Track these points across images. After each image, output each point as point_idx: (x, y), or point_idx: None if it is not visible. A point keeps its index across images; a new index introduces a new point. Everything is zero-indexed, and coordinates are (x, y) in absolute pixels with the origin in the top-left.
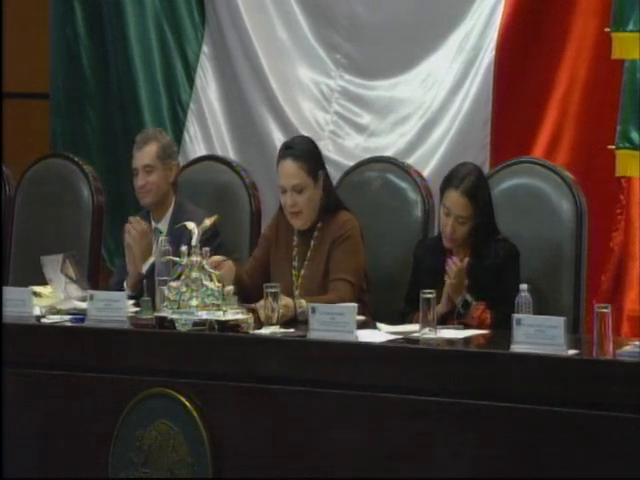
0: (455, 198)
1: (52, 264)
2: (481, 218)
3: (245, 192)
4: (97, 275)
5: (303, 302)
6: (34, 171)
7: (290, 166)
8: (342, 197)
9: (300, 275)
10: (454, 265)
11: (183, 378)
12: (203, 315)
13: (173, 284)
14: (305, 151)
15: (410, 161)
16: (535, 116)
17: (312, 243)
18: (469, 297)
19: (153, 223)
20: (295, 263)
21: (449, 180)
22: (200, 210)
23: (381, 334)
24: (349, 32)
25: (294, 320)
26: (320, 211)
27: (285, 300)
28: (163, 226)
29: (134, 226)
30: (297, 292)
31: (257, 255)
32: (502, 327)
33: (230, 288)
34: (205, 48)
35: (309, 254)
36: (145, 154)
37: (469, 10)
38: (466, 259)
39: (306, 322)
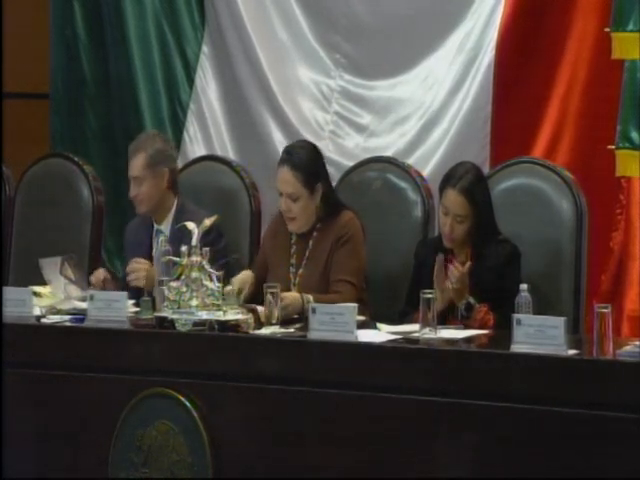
0: (453, 197)
1: (51, 266)
2: (479, 217)
3: (245, 192)
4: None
5: (311, 298)
6: (34, 171)
7: (286, 174)
8: (342, 197)
9: (298, 274)
10: (456, 270)
11: (183, 378)
12: (203, 315)
13: (173, 284)
14: (304, 161)
15: (410, 161)
16: (535, 116)
17: (311, 242)
18: (472, 300)
19: (155, 225)
20: (293, 261)
21: (447, 179)
22: (202, 210)
23: (381, 334)
24: (349, 32)
25: (301, 315)
26: (317, 218)
27: (290, 296)
28: (165, 228)
29: (133, 268)
30: (294, 290)
31: (257, 265)
32: (505, 329)
33: (230, 288)
34: (205, 48)
35: (308, 253)
36: (133, 166)
37: (469, 10)
38: (468, 263)
39: None
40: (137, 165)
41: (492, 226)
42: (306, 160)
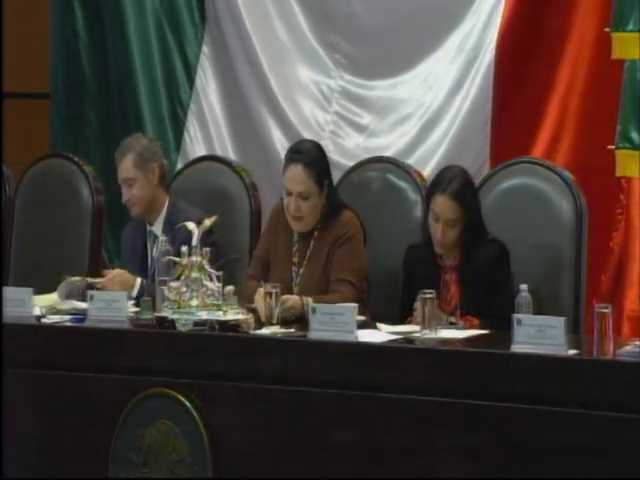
0: (442, 202)
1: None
2: (470, 220)
3: (245, 193)
4: (97, 275)
5: (310, 300)
6: (34, 171)
7: (300, 173)
8: (342, 197)
9: (300, 273)
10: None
11: (183, 378)
12: (203, 315)
13: (173, 284)
14: (316, 159)
15: (410, 161)
16: (535, 116)
17: (312, 242)
18: (453, 319)
19: (147, 227)
20: (295, 260)
21: (435, 185)
22: (194, 208)
23: (381, 334)
24: (349, 32)
25: (301, 318)
26: (321, 217)
27: (292, 299)
28: (157, 228)
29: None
30: (296, 289)
31: (258, 254)
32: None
33: (230, 288)
34: (205, 48)
35: (309, 253)
36: (123, 168)
37: (469, 10)
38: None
39: None
40: (127, 166)
41: (481, 228)
42: (317, 157)
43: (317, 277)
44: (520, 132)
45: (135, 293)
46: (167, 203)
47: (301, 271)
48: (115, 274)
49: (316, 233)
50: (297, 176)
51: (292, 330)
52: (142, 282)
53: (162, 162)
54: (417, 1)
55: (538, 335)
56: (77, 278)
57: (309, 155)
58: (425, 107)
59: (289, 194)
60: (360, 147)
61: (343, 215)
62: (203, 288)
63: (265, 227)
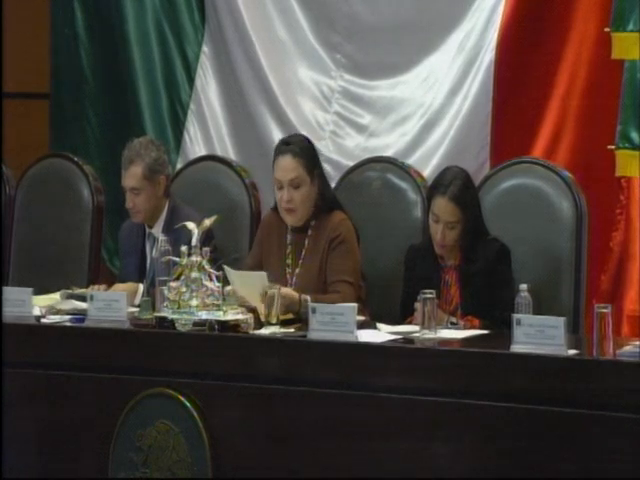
0: (443, 204)
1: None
2: (469, 221)
3: (245, 193)
4: (97, 275)
5: (308, 298)
6: (34, 171)
7: (289, 161)
8: (342, 197)
9: (295, 273)
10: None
11: (183, 378)
12: (203, 315)
13: (173, 284)
14: (304, 148)
15: (410, 161)
16: (535, 116)
17: (307, 242)
18: (454, 319)
19: (147, 229)
20: (289, 261)
21: (435, 187)
22: (193, 211)
23: (381, 334)
24: (349, 32)
25: (298, 316)
26: (315, 209)
27: (290, 293)
28: (156, 230)
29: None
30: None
31: (250, 263)
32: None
33: (230, 288)
34: (205, 48)
35: (304, 252)
36: (130, 176)
37: (469, 10)
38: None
39: None
40: (135, 175)
41: (482, 228)
42: (305, 147)
43: (314, 277)
44: (520, 132)
45: (138, 301)
46: (167, 206)
47: (297, 271)
48: (115, 289)
49: (310, 231)
50: (286, 165)
51: (292, 330)
52: (144, 289)
53: (169, 172)
54: (417, 1)
55: (538, 335)
56: (82, 291)
57: (297, 145)
58: (425, 107)
59: (280, 187)
60: (360, 147)
61: (335, 216)
62: (203, 288)
63: (256, 238)
